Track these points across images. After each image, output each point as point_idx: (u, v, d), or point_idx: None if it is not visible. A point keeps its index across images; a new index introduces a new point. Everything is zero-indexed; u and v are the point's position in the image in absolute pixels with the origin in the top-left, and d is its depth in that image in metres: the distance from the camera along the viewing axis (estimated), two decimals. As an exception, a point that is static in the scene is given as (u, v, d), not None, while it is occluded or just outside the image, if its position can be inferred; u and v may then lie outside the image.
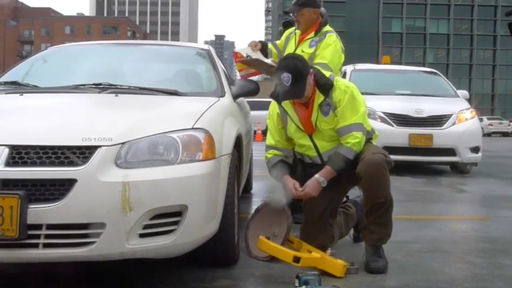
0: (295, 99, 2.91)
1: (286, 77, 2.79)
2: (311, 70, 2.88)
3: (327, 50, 3.73)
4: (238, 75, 4.18)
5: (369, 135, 2.98)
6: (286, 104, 2.97)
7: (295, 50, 3.86)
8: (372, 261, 2.76)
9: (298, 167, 3.15)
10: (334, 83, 2.88)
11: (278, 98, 2.93)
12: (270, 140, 3.11)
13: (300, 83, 2.81)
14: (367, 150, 2.84)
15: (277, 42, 4.15)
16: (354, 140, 2.80)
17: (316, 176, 2.84)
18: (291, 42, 3.96)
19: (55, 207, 2.02)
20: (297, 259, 2.64)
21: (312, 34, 3.85)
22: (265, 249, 2.80)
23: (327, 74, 3.02)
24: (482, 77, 72.88)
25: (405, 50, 72.03)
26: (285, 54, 3.91)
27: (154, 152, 2.23)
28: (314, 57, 3.74)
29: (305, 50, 3.80)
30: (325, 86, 2.88)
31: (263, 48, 3.98)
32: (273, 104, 3.07)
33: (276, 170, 3.02)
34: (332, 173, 2.84)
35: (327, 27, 3.88)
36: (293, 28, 4.08)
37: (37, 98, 2.97)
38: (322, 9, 3.94)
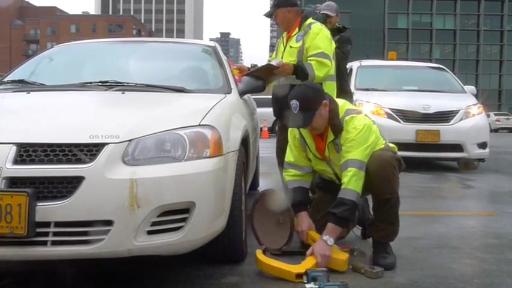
0: (301, 128, 2.84)
1: (294, 103, 2.73)
2: (324, 102, 2.76)
3: (316, 39, 3.72)
4: None
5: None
6: (305, 132, 2.92)
7: (284, 49, 3.90)
8: (381, 257, 2.75)
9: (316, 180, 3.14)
10: (345, 126, 2.75)
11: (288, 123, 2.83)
12: (289, 156, 3.04)
13: (308, 112, 2.72)
14: (379, 150, 2.81)
15: None
16: (346, 178, 2.67)
17: (324, 237, 2.68)
18: (282, 43, 4.01)
19: (63, 205, 2.02)
20: (299, 275, 2.51)
21: (297, 30, 3.87)
22: (266, 270, 2.63)
23: (342, 109, 2.80)
24: (489, 73, 72.40)
25: (411, 46, 71.68)
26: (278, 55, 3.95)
27: (162, 149, 2.23)
28: (305, 51, 3.73)
29: (293, 45, 3.82)
30: (336, 127, 2.77)
31: None
32: None
33: (293, 197, 2.96)
34: (336, 229, 2.69)
35: (310, 20, 3.88)
36: None
37: (44, 96, 2.97)
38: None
